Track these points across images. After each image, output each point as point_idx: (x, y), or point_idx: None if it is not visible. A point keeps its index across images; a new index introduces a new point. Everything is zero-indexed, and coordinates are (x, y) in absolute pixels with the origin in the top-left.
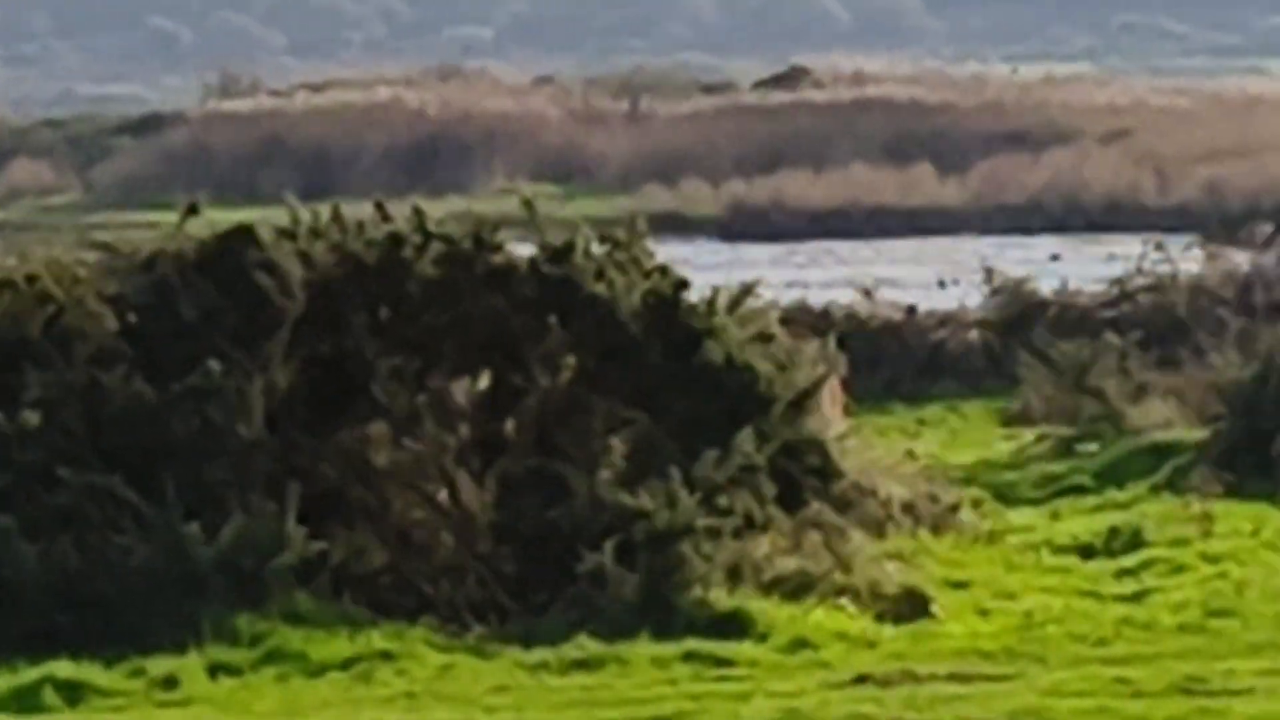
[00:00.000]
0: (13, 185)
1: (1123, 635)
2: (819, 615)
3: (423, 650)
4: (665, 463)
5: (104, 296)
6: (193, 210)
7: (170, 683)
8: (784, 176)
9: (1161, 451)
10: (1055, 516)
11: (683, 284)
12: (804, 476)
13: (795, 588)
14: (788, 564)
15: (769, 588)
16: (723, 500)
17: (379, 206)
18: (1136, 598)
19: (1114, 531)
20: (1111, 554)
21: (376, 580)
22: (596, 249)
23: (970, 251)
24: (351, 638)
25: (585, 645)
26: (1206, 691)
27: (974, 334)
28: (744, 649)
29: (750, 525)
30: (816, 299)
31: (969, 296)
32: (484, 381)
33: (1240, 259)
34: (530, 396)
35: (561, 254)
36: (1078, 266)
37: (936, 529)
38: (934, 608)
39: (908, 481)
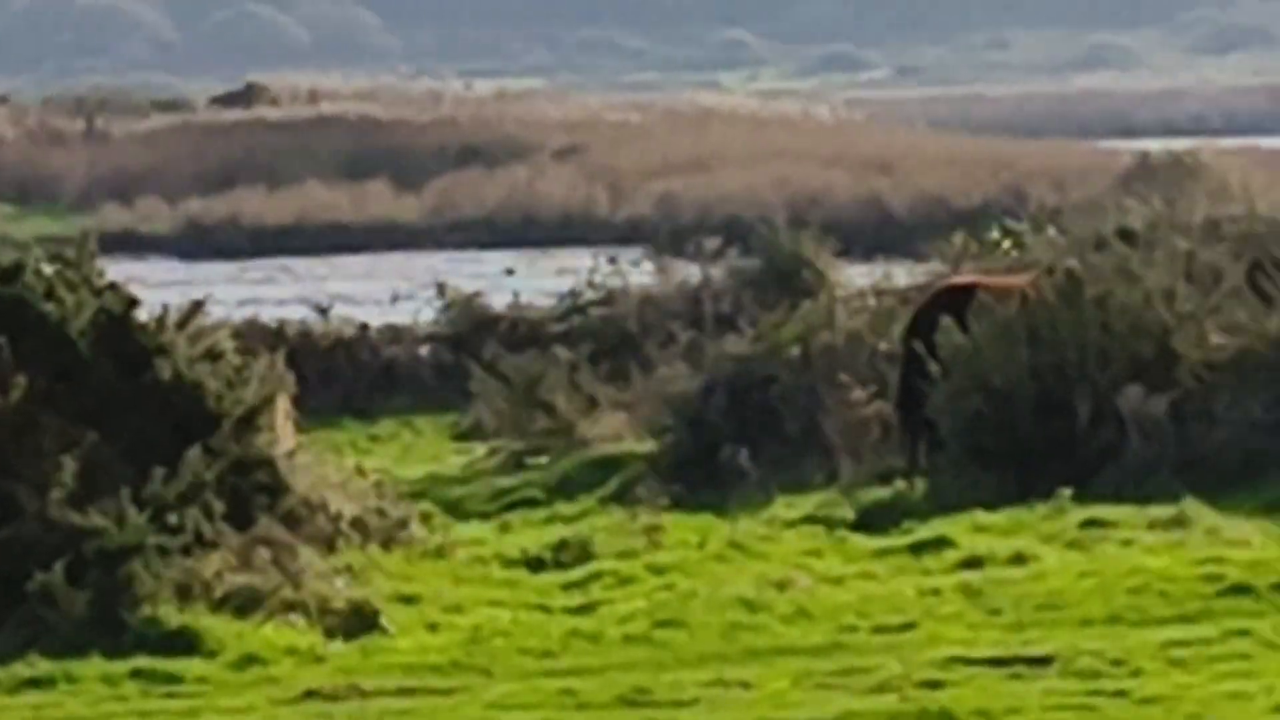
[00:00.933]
0: None
1: (570, 648)
2: (268, 631)
3: None
4: (116, 481)
5: None
6: None
7: None
8: (240, 194)
9: (611, 464)
10: (505, 530)
11: (133, 302)
12: (253, 493)
13: (244, 604)
14: (237, 580)
15: (219, 604)
16: (172, 518)
17: None
18: (584, 610)
19: (563, 544)
20: (560, 567)
21: None
22: (47, 268)
23: (425, 267)
24: None
25: (35, 664)
26: (652, 703)
27: (426, 349)
28: (193, 666)
29: (200, 542)
30: (271, 316)
31: (422, 312)
32: None
33: (690, 271)
34: None
35: (10, 274)
36: (531, 281)
37: (386, 544)
38: (383, 622)
39: (358, 497)
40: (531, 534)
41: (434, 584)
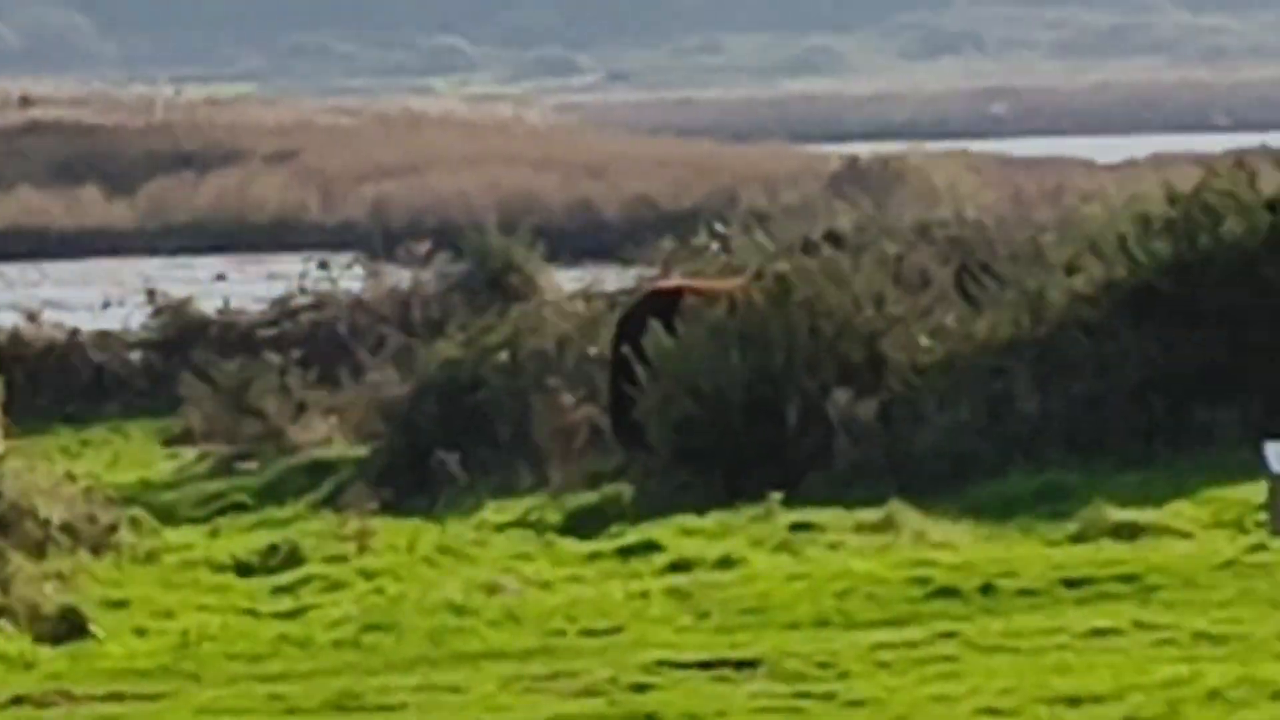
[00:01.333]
0: None
1: (279, 652)
2: None
3: None
4: None
5: None
6: None
7: None
8: None
9: (321, 469)
10: (215, 535)
11: None
12: None
13: None
14: None
15: None
16: None
17: None
18: (294, 615)
19: (272, 549)
20: (270, 571)
21: None
22: None
23: (136, 273)
24: None
25: None
26: (361, 707)
27: (137, 355)
28: None
29: None
30: None
31: (133, 318)
32: None
33: (401, 276)
34: None
35: None
36: (242, 286)
37: (96, 549)
38: (92, 628)
39: (68, 503)
40: (241, 539)
41: (143, 589)
